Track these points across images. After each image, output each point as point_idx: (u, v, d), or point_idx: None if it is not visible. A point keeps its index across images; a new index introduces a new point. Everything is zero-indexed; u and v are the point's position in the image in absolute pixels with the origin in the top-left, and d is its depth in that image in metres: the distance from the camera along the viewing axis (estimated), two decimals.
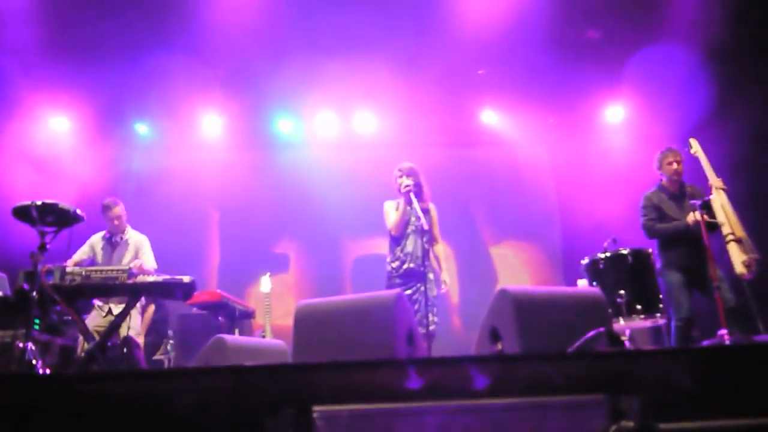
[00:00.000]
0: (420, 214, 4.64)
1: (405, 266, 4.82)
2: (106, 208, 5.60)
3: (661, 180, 5.29)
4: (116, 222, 5.58)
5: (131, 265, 5.14)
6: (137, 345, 4.98)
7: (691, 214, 4.75)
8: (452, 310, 8.11)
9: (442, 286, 4.95)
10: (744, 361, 2.08)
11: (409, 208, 4.88)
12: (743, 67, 6.66)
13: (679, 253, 4.96)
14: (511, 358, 2.54)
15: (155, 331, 6.07)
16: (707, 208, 4.72)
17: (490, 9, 6.71)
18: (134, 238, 5.65)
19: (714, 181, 4.79)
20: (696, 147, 5.03)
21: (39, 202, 3.65)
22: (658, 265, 4.98)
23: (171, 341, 6.35)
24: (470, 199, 8.42)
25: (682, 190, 5.17)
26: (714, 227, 4.69)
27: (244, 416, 1.93)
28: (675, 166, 5.15)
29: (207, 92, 7.74)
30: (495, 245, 8.47)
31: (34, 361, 3.36)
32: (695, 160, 5.04)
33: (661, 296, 4.70)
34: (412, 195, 4.76)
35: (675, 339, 4.76)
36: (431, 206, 5.11)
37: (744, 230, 4.61)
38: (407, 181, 4.87)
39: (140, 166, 8.30)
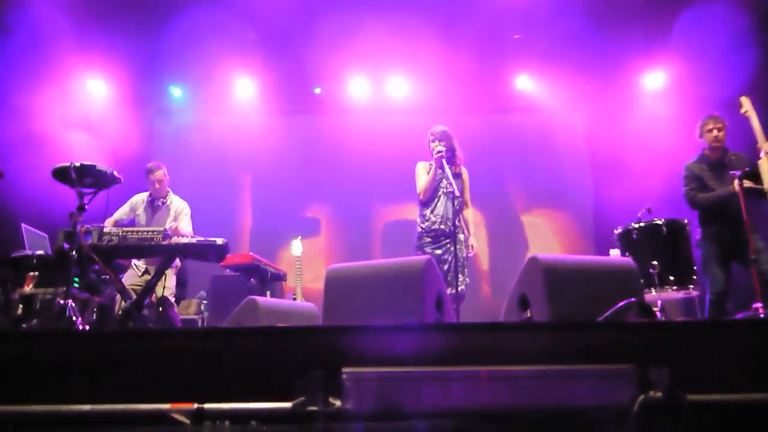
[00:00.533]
0: (451, 179, 4.60)
1: (435, 227, 4.81)
2: (148, 172, 5.65)
3: (704, 149, 5.11)
4: (157, 185, 5.62)
5: (166, 226, 5.24)
6: (172, 304, 5.09)
7: (735, 182, 4.58)
8: (482, 276, 8.12)
9: (470, 250, 4.93)
10: None
11: (440, 171, 4.84)
12: None
13: (719, 224, 4.81)
14: (539, 325, 2.55)
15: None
16: (753, 176, 4.55)
17: None
18: (176, 203, 5.70)
19: (763, 143, 4.58)
20: (747, 106, 4.79)
21: (77, 164, 3.73)
22: (697, 236, 4.88)
23: (204, 301, 6.51)
24: (503, 166, 8.33)
25: (725, 158, 4.98)
26: (761, 194, 4.51)
27: (275, 376, 1.97)
28: (715, 133, 4.97)
29: (240, 56, 7.75)
30: (526, 213, 8.41)
31: (74, 318, 3.47)
32: (746, 121, 4.80)
33: (695, 268, 4.63)
34: (443, 161, 4.72)
35: (709, 312, 4.68)
36: (463, 170, 5.07)
37: None
38: (439, 147, 4.82)
39: (174, 129, 8.39)
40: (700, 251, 4.88)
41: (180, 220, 5.59)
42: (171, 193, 5.77)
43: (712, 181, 4.93)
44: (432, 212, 4.87)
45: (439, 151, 4.77)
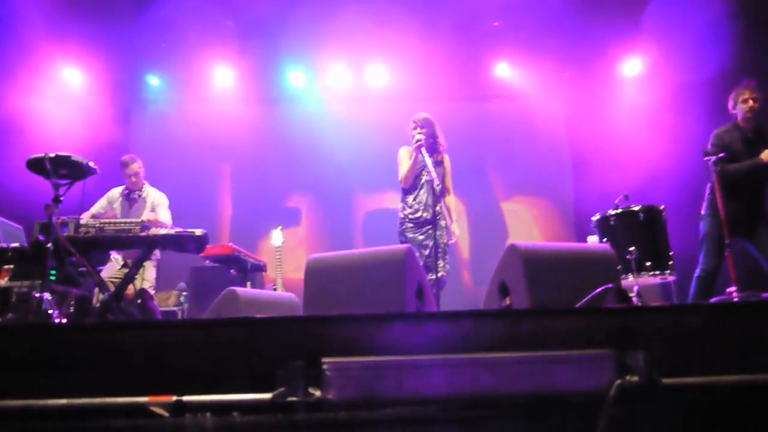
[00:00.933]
0: (431, 167, 4.59)
1: (418, 215, 4.82)
2: (123, 165, 5.61)
3: (736, 119, 4.92)
4: (133, 179, 5.58)
5: (144, 218, 5.20)
6: (151, 296, 5.06)
7: (765, 152, 4.53)
8: (462, 264, 8.16)
9: (452, 237, 4.95)
10: (750, 319, 2.08)
11: (420, 159, 4.83)
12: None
13: (734, 201, 4.65)
14: (519, 312, 2.57)
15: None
16: None
17: None
18: (152, 195, 5.65)
19: None
20: None
21: (52, 155, 3.68)
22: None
23: (184, 293, 6.47)
24: (483, 153, 8.35)
25: (758, 131, 4.83)
26: None
27: (255, 367, 1.97)
28: (751, 103, 4.78)
29: (218, 44, 7.68)
30: (507, 200, 8.45)
31: (50, 311, 3.43)
32: None
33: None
34: (423, 149, 4.71)
35: (694, 288, 4.72)
36: (445, 158, 5.05)
37: None
38: (419, 135, 4.81)
39: (152, 119, 8.29)
40: (702, 225, 4.84)
41: (158, 212, 5.55)
42: (147, 185, 5.73)
43: (742, 155, 4.77)
44: (414, 199, 4.87)
45: (418, 140, 4.76)
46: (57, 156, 3.70)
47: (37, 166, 3.72)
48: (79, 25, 6.92)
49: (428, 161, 4.62)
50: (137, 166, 5.62)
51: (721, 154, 4.67)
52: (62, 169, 3.73)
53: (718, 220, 4.62)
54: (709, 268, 4.69)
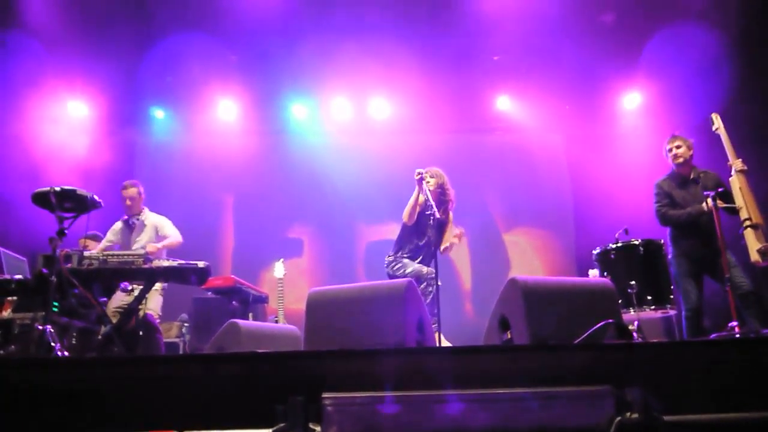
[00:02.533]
0: (432, 202, 4.65)
1: (420, 260, 4.85)
2: (122, 189, 5.65)
3: (672, 167, 5.21)
4: (128, 203, 5.59)
5: (146, 248, 5.22)
6: (157, 328, 5.04)
7: (706, 201, 4.66)
8: (464, 295, 8.14)
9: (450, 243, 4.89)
10: (750, 355, 2.08)
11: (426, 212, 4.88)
12: (763, 50, 6.56)
13: (691, 241, 4.87)
14: (518, 348, 2.57)
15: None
16: (725, 194, 4.63)
17: None
18: (152, 219, 5.66)
19: (734, 161, 4.66)
20: (718, 123, 4.87)
21: (58, 188, 3.72)
22: (668, 253, 4.95)
23: (186, 324, 6.46)
24: (484, 185, 8.40)
25: (694, 176, 5.05)
26: (734, 211, 4.60)
27: (256, 402, 1.98)
28: (674, 151, 5.07)
29: (222, 78, 7.78)
30: (508, 232, 8.47)
31: (53, 344, 3.43)
32: (718, 138, 4.88)
33: (672, 287, 4.70)
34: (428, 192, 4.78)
35: (686, 329, 4.74)
36: (449, 215, 5.10)
37: (762, 216, 4.49)
38: (431, 182, 4.93)
39: (156, 151, 8.37)
40: (672, 269, 4.93)
41: (165, 232, 5.54)
42: (146, 210, 5.75)
43: (682, 198, 4.99)
44: (421, 241, 4.91)
45: (432, 189, 4.87)
46: (62, 190, 3.74)
47: (42, 199, 3.76)
48: (84, 58, 7.02)
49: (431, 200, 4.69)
50: (134, 190, 5.64)
51: (659, 207, 5.01)
52: (67, 202, 3.77)
53: (683, 259, 4.82)
54: (693, 307, 4.72)
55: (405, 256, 4.96)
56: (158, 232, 5.57)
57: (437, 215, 4.60)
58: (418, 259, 4.92)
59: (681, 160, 5.05)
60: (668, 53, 6.96)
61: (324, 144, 8.36)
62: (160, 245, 5.38)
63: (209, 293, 5.93)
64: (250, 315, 5.86)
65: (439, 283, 4.71)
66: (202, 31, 7.18)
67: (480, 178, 8.30)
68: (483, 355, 2.20)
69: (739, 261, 4.69)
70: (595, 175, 7.86)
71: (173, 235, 5.54)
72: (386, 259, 5.04)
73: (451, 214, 5.11)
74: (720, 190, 4.61)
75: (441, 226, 4.78)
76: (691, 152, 5.06)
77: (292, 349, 3.79)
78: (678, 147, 5.07)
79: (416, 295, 3.22)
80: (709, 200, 4.55)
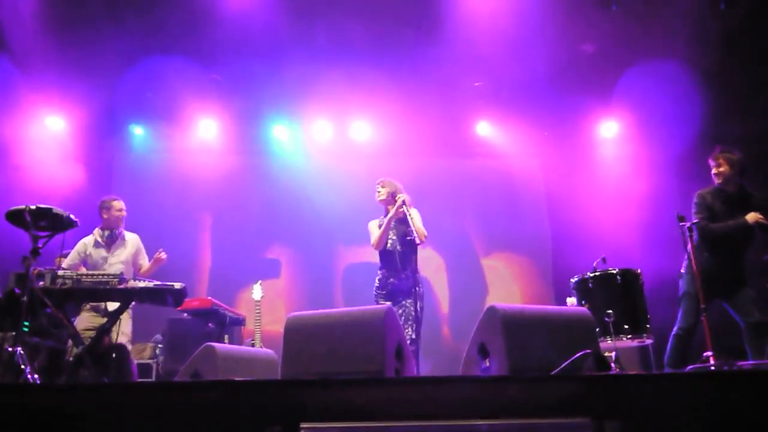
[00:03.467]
0: (413, 225, 4.63)
1: (389, 281, 4.82)
2: (108, 203, 5.37)
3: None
4: (124, 214, 5.44)
5: (159, 256, 5.25)
6: (128, 354, 4.92)
7: (752, 213, 4.59)
8: (442, 319, 8.14)
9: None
10: (726, 388, 2.10)
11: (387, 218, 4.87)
12: (738, 81, 6.73)
13: (717, 260, 4.75)
14: (498, 378, 2.57)
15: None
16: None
17: (487, 22, 6.76)
18: (130, 237, 5.50)
19: None
20: None
21: (33, 207, 3.66)
22: (681, 267, 4.89)
23: (159, 345, 6.35)
24: (463, 209, 8.45)
25: (741, 193, 4.88)
26: None
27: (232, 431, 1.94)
28: (714, 171, 4.91)
29: (203, 96, 7.75)
30: (486, 257, 8.51)
31: (22, 366, 3.35)
32: None
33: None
34: (405, 205, 4.76)
35: (671, 347, 4.69)
36: (413, 211, 5.04)
37: None
38: (382, 192, 4.93)
39: (134, 168, 8.29)
40: (681, 282, 4.83)
41: (143, 256, 5.44)
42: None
43: (722, 213, 4.83)
44: (383, 266, 4.88)
45: (382, 199, 4.89)
46: (38, 208, 3.68)
47: (16, 218, 3.69)
48: (63, 73, 6.96)
49: (412, 218, 4.68)
50: (123, 204, 5.51)
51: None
52: (42, 221, 3.71)
53: (703, 276, 4.59)
54: (687, 327, 4.67)
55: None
56: (138, 254, 5.43)
57: (418, 240, 4.58)
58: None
59: (721, 179, 4.90)
60: (645, 83, 7.11)
61: (304, 165, 8.36)
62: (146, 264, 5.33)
63: (185, 314, 5.84)
64: (226, 337, 5.79)
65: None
66: (184, 48, 7.17)
67: (459, 202, 8.36)
68: (462, 385, 2.19)
69: (756, 292, 4.66)
70: (573, 202, 7.96)
71: (148, 263, 5.44)
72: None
73: (413, 209, 5.04)
74: (695, 221, 4.65)
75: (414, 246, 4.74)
76: (733, 170, 4.86)
77: (269, 373, 3.73)
78: (719, 165, 4.90)
79: (395, 322, 3.21)
80: (754, 215, 4.53)
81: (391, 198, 4.92)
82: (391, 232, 4.86)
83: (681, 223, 4.60)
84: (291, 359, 3.02)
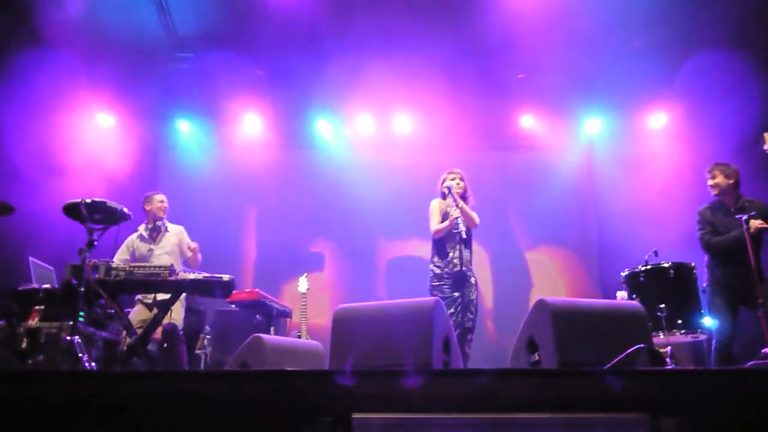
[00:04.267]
0: (461, 225, 4.63)
1: (453, 269, 4.79)
2: (152, 197, 5.63)
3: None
4: (166, 206, 5.60)
5: (191, 245, 5.34)
6: (180, 338, 5.04)
7: (752, 221, 4.55)
8: (486, 314, 8.08)
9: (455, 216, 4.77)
10: None
11: (454, 209, 4.86)
12: None
13: (728, 270, 4.78)
14: (548, 372, 2.53)
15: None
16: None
17: (533, 13, 6.66)
18: (173, 227, 5.65)
19: None
20: None
21: (88, 200, 3.76)
22: (703, 281, 4.86)
23: (208, 336, 6.48)
24: (506, 202, 8.36)
25: (738, 204, 4.94)
26: None
27: (283, 422, 1.96)
28: (709, 182, 5.02)
29: (248, 92, 7.85)
30: (530, 250, 8.40)
31: (80, 355, 3.45)
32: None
33: (703, 311, 4.61)
34: (459, 197, 4.78)
35: (714, 358, 4.64)
36: (461, 203, 5.03)
37: None
38: (461, 184, 4.92)
39: (180, 163, 8.45)
40: (707, 297, 4.83)
41: (186, 239, 5.55)
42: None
43: (723, 226, 4.89)
44: (451, 253, 4.85)
45: (461, 188, 4.86)
46: (93, 202, 3.79)
47: (73, 211, 3.81)
48: (112, 71, 7.15)
49: (466, 208, 4.68)
50: (164, 197, 5.70)
51: (701, 234, 4.93)
52: (97, 214, 3.82)
53: (719, 289, 4.73)
54: (724, 339, 4.64)
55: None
56: (182, 245, 5.55)
57: (463, 235, 4.56)
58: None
59: (716, 190, 5.00)
60: (695, 73, 6.90)
61: (347, 159, 8.39)
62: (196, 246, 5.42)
63: (233, 306, 5.93)
64: (272, 329, 5.86)
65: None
66: (229, 45, 7.28)
67: (503, 195, 8.27)
68: (511, 378, 2.16)
69: None
70: (621, 194, 7.80)
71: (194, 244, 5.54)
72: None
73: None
74: (754, 213, 4.52)
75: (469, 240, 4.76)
76: (730, 181, 4.95)
77: (316, 365, 3.77)
78: (713, 177, 5.01)
79: (443, 314, 3.20)
80: (755, 221, 4.47)
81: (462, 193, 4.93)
82: (460, 221, 4.85)
83: (737, 216, 4.51)
84: (338, 351, 3.05)
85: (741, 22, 6.37)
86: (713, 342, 4.70)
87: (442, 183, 5.05)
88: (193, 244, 5.41)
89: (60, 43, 6.63)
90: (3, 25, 6.46)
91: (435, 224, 4.92)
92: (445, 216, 4.90)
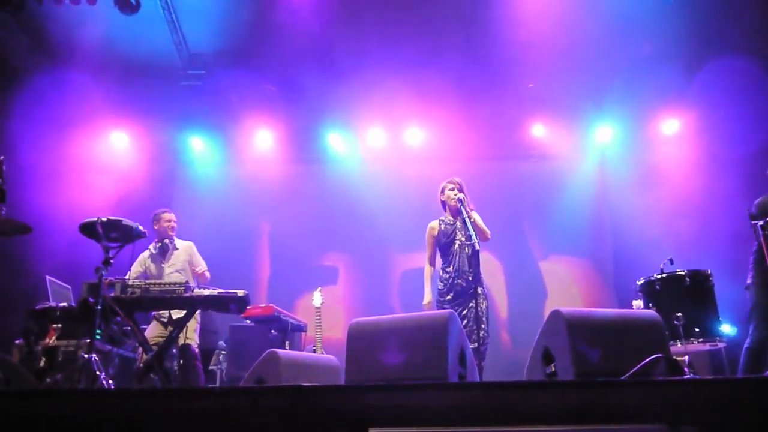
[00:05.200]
0: (471, 229, 4.56)
1: (455, 282, 4.74)
2: (160, 215, 5.67)
3: None
4: (170, 231, 5.61)
5: (198, 269, 5.37)
6: (195, 356, 5.06)
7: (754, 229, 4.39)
8: (501, 324, 8.04)
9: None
10: None
11: (454, 221, 4.84)
12: None
13: None
14: (565, 384, 2.52)
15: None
16: None
17: (541, 23, 6.68)
18: (182, 244, 5.69)
19: None
20: None
21: (104, 219, 3.80)
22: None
23: (223, 352, 6.49)
24: (520, 212, 8.34)
25: None
26: None
27: None
28: None
29: (260, 108, 7.92)
30: (544, 260, 8.36)
31: (98, 372, 3.48)
32: None
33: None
34: (461, 208, 4.71)
35: (744, 360, 4.46)
36: (475, 214, 4.98)
37: None
38: (459, 195, 4.82)
39: (194, 179, 8.52)
40: (750, 293, 4.58)
41: (197, 259, 5.58)
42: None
43: None
44: (450, 267, 4.81)
45: (458, 199, 4.76)
46: (109, 220, 3.83)
47: (89, 230, 3.85)
48: (125, 89, 7.25)
49: (467, 221, 4.60)
50: (172, 215, 5.72)
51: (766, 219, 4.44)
52: (113, 232, 3.85)
53: (766, 288, 4.45)
54: (760, 339, 4.43)
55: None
56: (191, 261, 5.58)
57: (477, 247, 4.50)
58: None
59: None
60: (707, 79, 6.87)
61: (359, 172, 8.42)
62: (203, 268, 5.45)
63: (248, 321, 5.94)
64: (287, 344, 5.86)
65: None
66: (241, 61, 7.35)
67: (515, 205, 8.25)
68: (528, 390, 2.15)
69: None
70: (635, 202, 7.75)
71: (202, 264, 5.57)
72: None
73: (474, 213, 4.92)
74: None
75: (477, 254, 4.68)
76: None
77: (332, 379, 3.77)
78: None
79: (458, 327, 3.19)
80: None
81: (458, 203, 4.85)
82: (458, 233, 4.83)
83: (753, 222, 4.40)
84: (354, 365, 3.04)
85: (753, 29, 6.34)
86: (747, 341, 4.49)
87: (441, 192, 5.02)
88: (199, 269, 5.45)
89: (74, 62, 6.74)
90: (20, 45, 6.58)
91: (428, 256, 4.95)
92: (444, 235, 4.88)
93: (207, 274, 5.45)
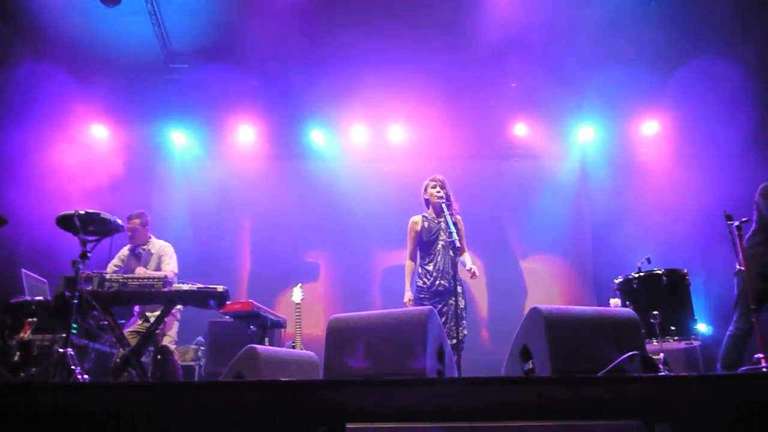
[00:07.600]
0: (452, 227, 4.56)
1: (436, 282, 4.74)
2: (127, 220, 5.49)
3: None
4: (129, 233, 5.46)
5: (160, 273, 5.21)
6: (172, 352, 5.02)
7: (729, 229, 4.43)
8: (481, 322, 8.08)
9: (472, 272, 4.68)
10: None
11: (438, 220, 4.85)
12: None
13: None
14: (542, 380, 2.53)
15: None
16: None
17: (525, 24, 6.71)
18: (156, 246, 5.58)
19: None
20: None
21: (82, 212, 3.75)
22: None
23: (201, 348, 6.44)
24: (500, 211, 8.38)
25: None
26: None
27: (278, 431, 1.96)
28: None
29: (243, 103, 7.87)
30: (525, 259, 8.42)
31: (73, 366, 3.44)
32: None
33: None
34: (443, 206, 4.69)
35: (726, 347, 4.51)
36: (459, 219, 4.99)
37: None
38: (441, 192, 4.81)
39: (175, 174, 8.44)
40: (738, 281, 4.63)
41: (163, 262, 5.42)
42: (153, 238, 5.62)
43: None
44: (433, 267, 4.80)
45: (440, 196, 4.75)
46: (86, 213, 3.77)
47: (66, 222, 3.79)
48: (106, 82, 7.16)
49: (449, 220, 4.59)
50: (137, 222, 5.51)
51: (744, 219, 4.50)
52: (90, 225, 3.81)
53: (755, 276, 4.44)
54: (744, 327, 4.48)
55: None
56: (162, 257, 5.48)
57: (457, 245, 4.48)
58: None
59: None
60: (686, 81, 6.96)
61: (341, 169, 8.41)
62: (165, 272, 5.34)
63: (227, 317, 5.90)
64: (267, 340, 5.83)
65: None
66: (223, 56, 7.30)
67: (497, 203, 8.29)
68: (505, 386, 2.16)
69: None
70: (614, 202, 7.83)
71: (170, 269, 5.41)
72: None
73: (459, 218, 4.95)
74: (744, 219, 4.49)
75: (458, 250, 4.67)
76: None
77: (310, 375, 3.75)
78: None
79: (437, 323, 3.19)
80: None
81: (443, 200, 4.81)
82: (442, 233, 4.83)
83: (729, 222, 4.46)
84: (332, 361, 3.03)
85: (730, 31, 6.43)
86: (730, 328, 4.53)
87: (424, 190, 5.02)
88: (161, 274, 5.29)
89: (55, 55, 6.64)
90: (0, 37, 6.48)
91: (408, 251, 4.94)
92: (427, 232, 4.88)
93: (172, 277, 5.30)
